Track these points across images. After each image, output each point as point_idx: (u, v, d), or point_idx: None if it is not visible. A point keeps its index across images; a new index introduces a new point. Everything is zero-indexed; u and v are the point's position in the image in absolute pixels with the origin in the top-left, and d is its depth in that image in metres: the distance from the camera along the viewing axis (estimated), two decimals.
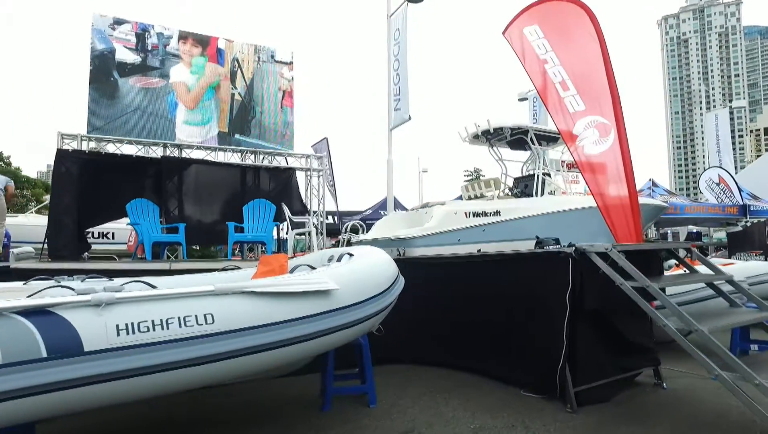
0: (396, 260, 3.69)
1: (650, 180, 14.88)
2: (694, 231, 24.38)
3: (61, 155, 7.26)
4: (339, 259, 3.23)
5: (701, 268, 4.01)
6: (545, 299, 3.48)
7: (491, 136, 10.48)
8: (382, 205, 18.61)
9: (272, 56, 8.97)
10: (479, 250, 8.52)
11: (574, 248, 3.40)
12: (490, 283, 4.05)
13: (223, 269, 3.67)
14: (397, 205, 16.83)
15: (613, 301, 3.29)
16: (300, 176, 9.37)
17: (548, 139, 10.35)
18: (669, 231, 23.23)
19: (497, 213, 8.32)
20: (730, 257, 14.30)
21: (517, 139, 10.31)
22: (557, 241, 6.02)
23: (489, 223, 8.19)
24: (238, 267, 3.65)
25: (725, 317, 3.21)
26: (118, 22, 7.80)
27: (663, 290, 3.87)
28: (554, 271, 3.42)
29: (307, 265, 3.44)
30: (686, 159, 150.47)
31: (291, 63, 9.26)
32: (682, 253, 4.00)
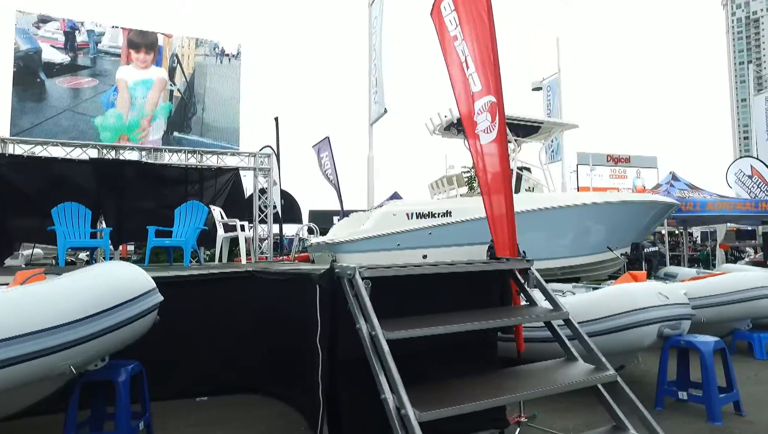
0: (164, 276, 3.00)
1: (671, 173, 13.18)
2: (749, 228, 21.46)
3: None
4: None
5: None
6: (305, 339, 2.64)
7: (462, 127, 9.50)
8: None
9: (215, 49, 8.48)
10: (425, 256, 7.62)
11: (323, 270, 2.56)
12: (287, 308, 3.26)
13: None
14: None
15: (414, 343, 2.38)
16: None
17: (526, 129, 9.24)
18: (717, 229, 20.77)
19: (448, 213, 7.38)
20: (765, 261, 12.47)
21: None
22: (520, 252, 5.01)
23: (437, 225, 7.28)
24: None
25: (534, 377, 2.28)
26: (44, 20, 7.54)
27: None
28: (307, 302, 2.58)
29: None
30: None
31: (238, 55, 8.73)
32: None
